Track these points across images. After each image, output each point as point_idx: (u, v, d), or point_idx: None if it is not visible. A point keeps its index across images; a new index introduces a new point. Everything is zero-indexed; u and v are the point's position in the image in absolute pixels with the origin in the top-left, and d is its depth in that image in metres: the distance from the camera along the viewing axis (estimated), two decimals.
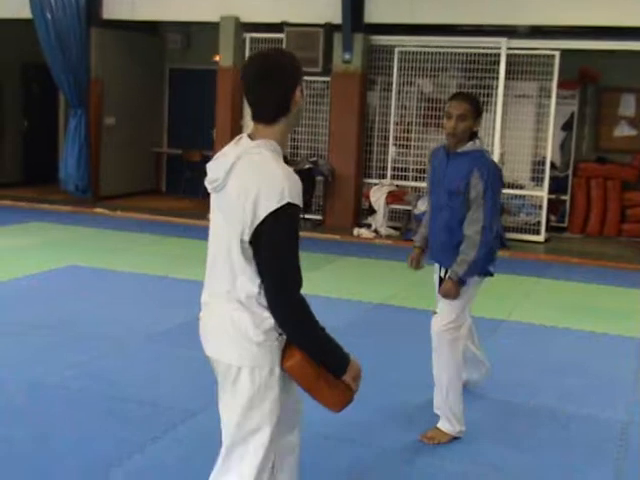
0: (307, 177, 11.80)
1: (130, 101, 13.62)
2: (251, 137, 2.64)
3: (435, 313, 4.57)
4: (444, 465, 4.26)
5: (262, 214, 2.47)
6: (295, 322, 2.55)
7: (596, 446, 4.63)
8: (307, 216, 12.03)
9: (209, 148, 12.67)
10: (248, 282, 2.57)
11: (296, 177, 2.54)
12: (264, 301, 2.57)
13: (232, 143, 2.68)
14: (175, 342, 6.16)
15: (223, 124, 12.11)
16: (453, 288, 4.40)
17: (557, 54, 10.86)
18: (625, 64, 11.69)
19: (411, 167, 11.77)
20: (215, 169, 2.63)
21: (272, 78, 2.58)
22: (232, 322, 2.61)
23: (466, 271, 4.34)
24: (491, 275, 4.60)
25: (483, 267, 4.46)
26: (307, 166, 11.85)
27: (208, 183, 2.66)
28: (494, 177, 4.34)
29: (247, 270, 2.57)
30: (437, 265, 4.69)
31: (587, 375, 5.90)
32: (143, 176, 14.40)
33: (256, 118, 2.65)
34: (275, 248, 2.50)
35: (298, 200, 2.50)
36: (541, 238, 11.29)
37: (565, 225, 12.27)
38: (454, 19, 11.13)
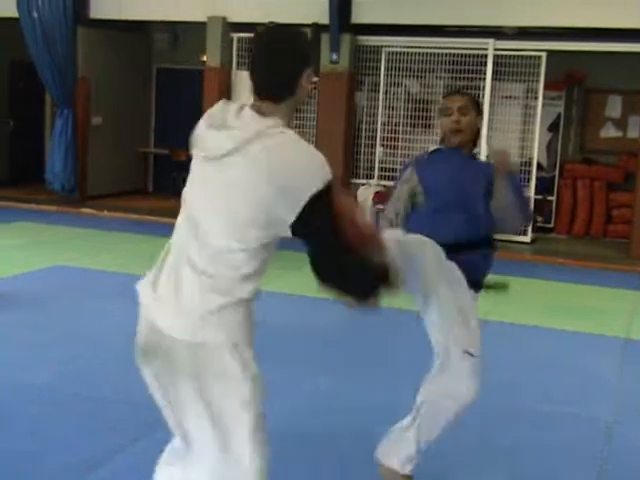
0: None
1: (117, 101, 13.58)
2: (257, 112, 2.45)
3: (469, 354, 3.59)
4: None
5: (307, 195, 2.35)
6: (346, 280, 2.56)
7: (579, 446, 4.65)
8: None
9: None
10: (230, 266, 2.45)
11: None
12: (235, 287, 2.46)
13: (232, 113, 2.47)
14: None
15: None
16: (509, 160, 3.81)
17: (544, 55, 10.91)
18: (611, 66, 11.75)
19: (398, 167, 11.78)
20: (219, 138, 2.45)
21: (283, 53, 2.46)
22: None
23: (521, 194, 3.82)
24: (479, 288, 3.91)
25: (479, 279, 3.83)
26: None
27: (202, 150, 2.51)
28: None
29: (233, 251, 2.43)
30: None
31: (571, 375, 5.93)
32: (130, 176, 14.36)
33: (261, 94, 2.48)
34: (324, 227, 2.42)
35: (331, 176, 2.43)
36: (527, 239, 11.33)
37: (551, 226, 12.32)
38: (441, 20, 11.16)
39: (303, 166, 2.39)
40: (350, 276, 2.52)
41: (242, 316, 2.50)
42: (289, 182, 2.36)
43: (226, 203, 2.43)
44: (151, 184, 14.94)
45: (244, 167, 2.40)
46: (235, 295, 2.46)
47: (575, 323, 7.39)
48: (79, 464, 4.06)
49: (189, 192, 2.58)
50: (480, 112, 3.86)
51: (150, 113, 14.85)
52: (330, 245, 2.45)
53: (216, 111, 2.54)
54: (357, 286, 2.55)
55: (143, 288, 2.60)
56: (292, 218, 2.39)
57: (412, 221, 3.83)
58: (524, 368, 6.01)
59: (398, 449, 3.77)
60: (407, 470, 3.77)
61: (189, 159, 2.69)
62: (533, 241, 11.41)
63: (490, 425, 4.88)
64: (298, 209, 2.37)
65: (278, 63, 2.45)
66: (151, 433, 4.47)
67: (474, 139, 3.84)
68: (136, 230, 10.94)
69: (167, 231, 2.73)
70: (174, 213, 2.61)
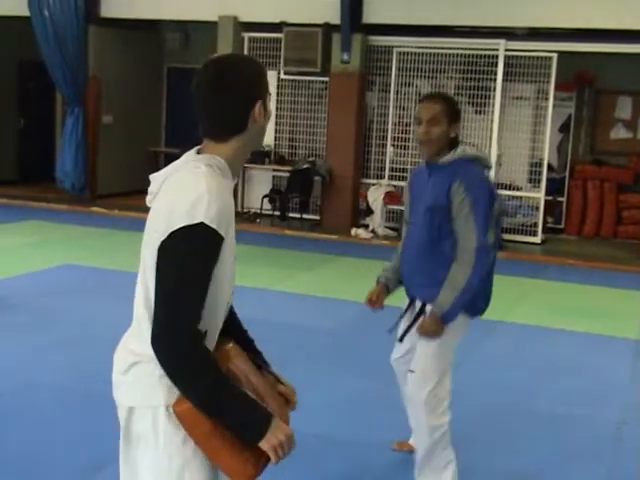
0: (305, 177, 11.83)
1: (128, 99, 13.61)
2: (199, 152, 2.29)
3: (411, 371, 3.80)
4: None
5: (168, 232, 2.07)
6: (176, 369, 2.06)
7: (590, 447, 4.65)
8: (305, 216, 12.05)
9: None
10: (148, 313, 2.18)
11: (224, 198, 2.10)
12: None
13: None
14: None
15: None
16: (434, 325, 3.61)
17: (554, 56, 10.89)
18: (622, 66, 11.73)
19: (409, 167, 11.78)
20: (153, 182, 2.30)
21: (225, 89, 2.15)
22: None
23: (453, 304, 3.55)
24: (482, 313, 3.82)
25: (473, 302, 3.65)
26: (305, 166, 11.87)
27: (148, 195, 2.34)
28: (481, 189, 3.56)
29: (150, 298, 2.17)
30: (414, 302, 3.91)
31: (582, 376, 5.92)
32: (140, 175, 14.22)
33: (204, 134, 2.25)
34: (168, 273, 2.06)
35: (216, 223, 2.04)
36: (538, 239, 11.32)
37: (562, 227, 12.30)
38: (452, 20, 11.15)
39: (185, 197, 2.10)
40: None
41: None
42: (166, 215, 2.12)
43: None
44: None
45: (153, 210, 2.25)
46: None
47: (585, 324, 7.37)
48: (92, 464, 4.07)
49: None
50: (456, 119, 3.64)
51: (161, 112, 14.88)
52: (171, 301, 2.05)
53: None
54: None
55: None
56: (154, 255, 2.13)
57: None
58: (535, 369, 6.00)
59: None
60: None
61: None
62: (543, 242, 11.39)
63: (500, 425, 4.88)
64: (157, 244, 2.11)
65: (218, 103, 2.16)
66: None
67: (448, 148, 3.62)
68: None
69: None
70: None
